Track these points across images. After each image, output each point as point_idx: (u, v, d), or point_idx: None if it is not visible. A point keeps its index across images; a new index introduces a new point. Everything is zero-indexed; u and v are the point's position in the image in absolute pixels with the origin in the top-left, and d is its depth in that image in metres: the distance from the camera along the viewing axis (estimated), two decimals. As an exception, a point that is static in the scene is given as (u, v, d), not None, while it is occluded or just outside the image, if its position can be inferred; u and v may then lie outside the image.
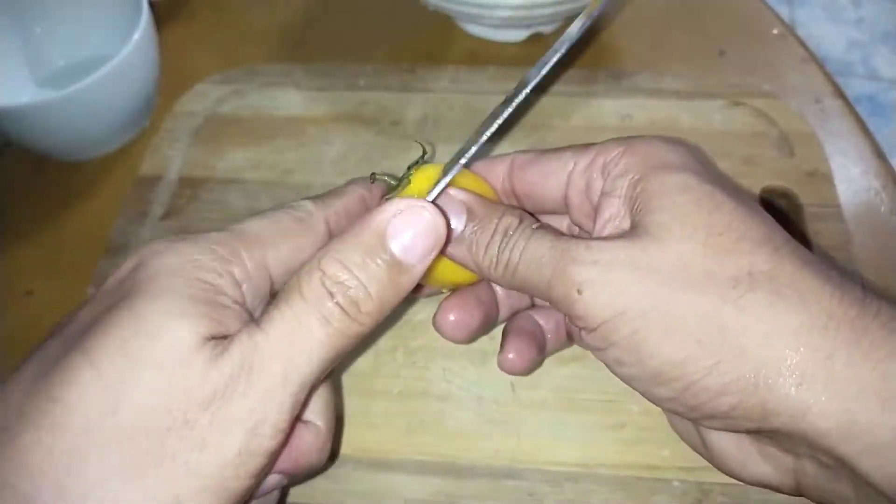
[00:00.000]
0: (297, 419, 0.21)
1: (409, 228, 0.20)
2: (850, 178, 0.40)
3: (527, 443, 0.30)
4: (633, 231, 0.21)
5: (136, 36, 0.39)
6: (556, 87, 0.43)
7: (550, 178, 0.24)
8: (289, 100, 0.44)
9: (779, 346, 0.18)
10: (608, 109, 0.42)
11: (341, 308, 0.19)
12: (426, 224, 0.20)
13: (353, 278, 0.20)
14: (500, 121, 0.23)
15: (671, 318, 0.19)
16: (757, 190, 0.38)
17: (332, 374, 0.23)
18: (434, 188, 0.22)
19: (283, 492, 0.26)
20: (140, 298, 0.19)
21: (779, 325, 0.18)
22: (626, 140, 0.23)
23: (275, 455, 0.20)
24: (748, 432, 0.21)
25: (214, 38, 0.51)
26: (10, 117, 0.39)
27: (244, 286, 0.21)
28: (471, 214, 0.22)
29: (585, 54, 0.47)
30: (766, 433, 0.20)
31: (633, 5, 0.50)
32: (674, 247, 0.19)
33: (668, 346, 0.19)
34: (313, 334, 0.19)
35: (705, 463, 0.29)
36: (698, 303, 0.19)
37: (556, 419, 0.31)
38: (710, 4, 0.50)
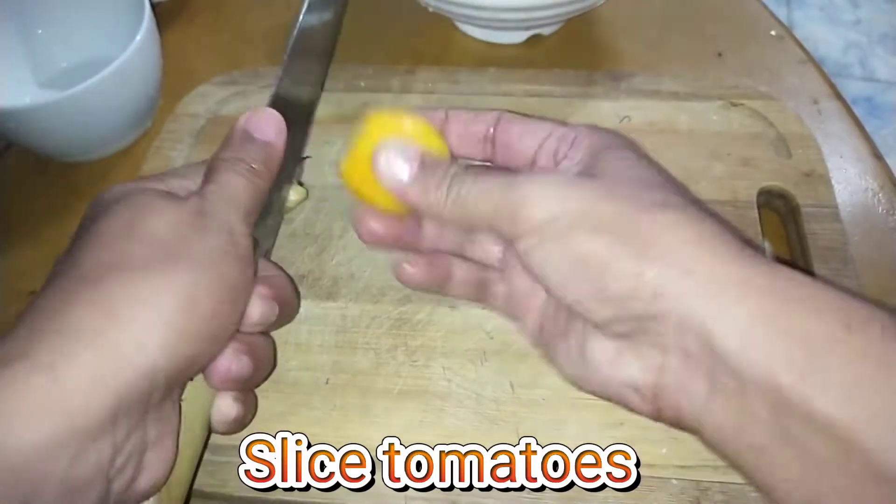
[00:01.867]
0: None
1: (256, 119, 0.30)
2: (848, 179, 0.40)
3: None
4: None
5: (139, 37, 0.40)
6: (554, 89, 0.43)
7: (529, 137, 0.30)
8: (290, 101, 0.44)
9: (676, 241, 0.23)
10: (606, 111, 0.42)
11: (240, 167, 0.28)
12: (267, 115, 0.30)
13: (238, 156, 0.29)
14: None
15: (599, 221, 0.24)
16: (754, 191, 0.38)
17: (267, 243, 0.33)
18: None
19: None
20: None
21: (681, 232, 0.23)
22: (592, 127, 0.29)
23: (250, 261, 0.27)
24: (634, 320, 0.24)
25: (216, 39, 0.52)
26: (12, 118, 0.39)
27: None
28: (422, 161, 0.27)
29: (584, 56, 0.48)
30: (646, 323, 0.23)
31: (631, 6, 0.50)
32: (607, 180, 0.25)
33: (592, 243, 0.24)
34: (232, 181, 0.28)
35: (704, 461, 0.29)
36: (621, 211, 0.24)
37: (555, 418, 0.31)
38: (709, 6, 0.51)
